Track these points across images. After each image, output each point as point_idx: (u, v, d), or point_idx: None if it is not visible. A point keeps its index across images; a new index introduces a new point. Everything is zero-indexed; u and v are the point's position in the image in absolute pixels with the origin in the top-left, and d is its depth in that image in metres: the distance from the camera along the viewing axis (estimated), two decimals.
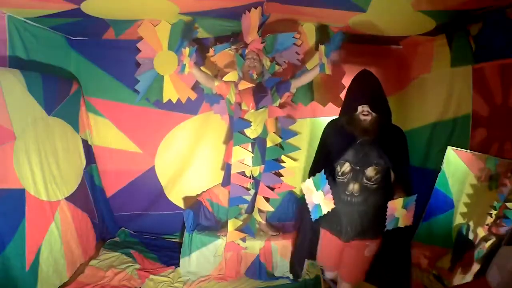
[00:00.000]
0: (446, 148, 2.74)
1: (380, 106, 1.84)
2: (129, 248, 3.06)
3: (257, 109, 2.59)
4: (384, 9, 2.34)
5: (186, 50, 2.44)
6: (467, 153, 2.63)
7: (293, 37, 2.70)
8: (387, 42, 3.24)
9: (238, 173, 2.62)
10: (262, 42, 2.62)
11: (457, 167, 2.66)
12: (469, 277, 2.36)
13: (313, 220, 1.88)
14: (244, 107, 2.59)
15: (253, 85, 2.60)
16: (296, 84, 2.65)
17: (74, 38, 3.13)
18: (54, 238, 2.48)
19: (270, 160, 2.59)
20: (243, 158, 2.60)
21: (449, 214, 2.68)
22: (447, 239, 2.67)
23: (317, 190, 1.77)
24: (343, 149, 1.89)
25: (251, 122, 2.58)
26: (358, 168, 1.88)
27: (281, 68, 2.90)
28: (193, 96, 3.00)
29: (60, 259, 2.51)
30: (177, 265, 2.81)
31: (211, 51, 2.94)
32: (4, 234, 2.08)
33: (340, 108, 2.57)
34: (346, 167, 1.90)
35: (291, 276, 2.71)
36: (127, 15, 2.64)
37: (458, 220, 2.63)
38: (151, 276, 2.69)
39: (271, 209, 2.70)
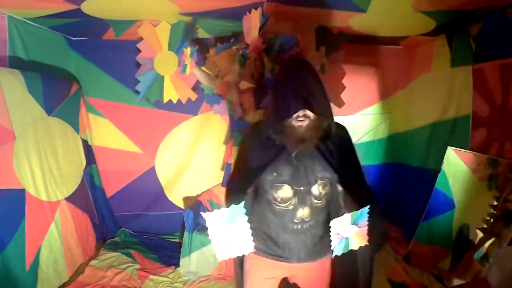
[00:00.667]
0: (446, 148, 2.74)
1: (320, 104, 1.35)
2: (129, 248, 3.06)
3: (257, 109, 2.59)
4: (384, 9, 2.34)
5: (188, 50, 2.45)
6: (467, 153, 2.63)
7: (294, 38, 2.69)
8: (387, 42, 3.24)
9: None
10: (263, 43, 2.62)
11: (457, 167, 2.66)
12: (469, 277, 2.37)
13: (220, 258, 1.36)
14: (244, 107, 2.60)
15: (254, 85, 2.61)
16: None
17: (74, 38, 3.13)
18: (54, 238, 2.48)
19: None
20: None
21: (449, 214, 2.68)
22: (447, 239, 2.67)
23: (227, 224, 1.27)
24: (274, 168, 1.44)
25: (251, 122, 2.58)
26: (302, 189, 1.44)
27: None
28: (194, 96, 3.00)
29: (60, 259, 2.51)
30: (177, 265, 2.80)
31: (212, 51, 2.94)
32: (4, 234, 2.08)
33: (340, 108, 2.53)
34: (286, 191, 1.45)
35: None
36: (127, 15, 2.64)
37: (458, 220, 2.63)
38: (151, 276, 2.69)
39: None
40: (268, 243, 1.54)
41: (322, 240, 1.51)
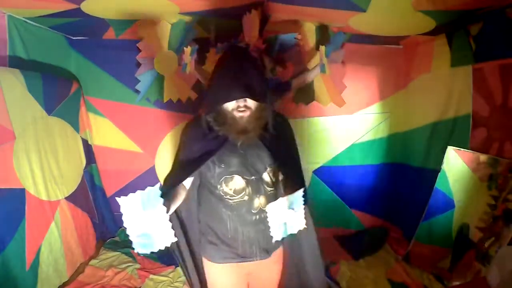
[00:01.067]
0: (446, 148, 2.74)
1: (261, 92, 1.32)
2: (129, 248, 3.06)
3: None
4: (384, 9, 2.33)
5: (188, 49, 2.45)
6: (467, 153, 2.63)
7: (295, 38, 2.70)
8: (387, 42, 3.24)
9: None
10: (263, 43, 2.62)
11: (457, 167, 2.66)
12: (469, 277, 2.37)
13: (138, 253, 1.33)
14: None
15: None
16: (297, 84, 2.67)
17: (74, 38, 3.13)
18: (54, 238, 2.48)
19: None
20: None
21: (449, 214, 2.69)
22: (447, 239, 2.67)
23: (143, 209, 1.16)
24: (221, 159, 1.40)
25: None
26: (253, 178, 1.42)
27: (281, 68, 2.90)
28: (194, 95, 3.00)
29: (60, 258, 2.51)
30: (177, 265, 2.80)
31: (212, 51, 2.94)
32: (4, 234, 2.08)
33: (340, 108, 2.51)
34: (238, 182, 1.41)
35: None
36: (127, 15, 2.64)
37: (458, 220, 2.64)
38: (151, 276, 2.69)
39: None
40: (224, 247, 1.49)
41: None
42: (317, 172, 3.43)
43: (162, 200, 1.17)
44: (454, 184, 2.68)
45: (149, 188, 1.14)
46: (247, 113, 1.32)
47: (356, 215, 3.54)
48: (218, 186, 1.43)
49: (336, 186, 3.47)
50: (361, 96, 3.36)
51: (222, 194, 1.43)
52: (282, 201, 1.29)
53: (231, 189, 1.42)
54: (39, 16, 2.47)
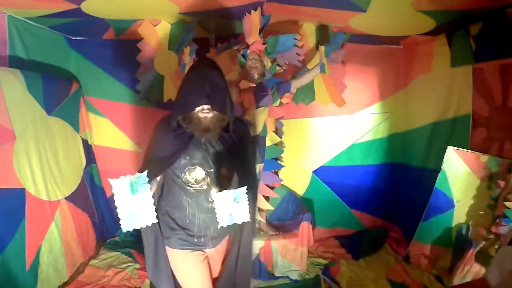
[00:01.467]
0: (446, 148, 2.74)
1: (221, 102, 1.55)
2: (129, 248, 3.07)
3: (257, 108, 2.60)
4: (384, 9, 2.33)
5: (187, 50, 2.46)
6: (467, 153, 2.63)
7: (294, 38, 2.70)
8: (387, 42, 3.24)
9: None
10: (263, 43, 2.63)
11: (457, 167, 2.66)
12: (469, 277, 2.37)
13: (123, 230, 1.54)
14: (245, 106, 2.61)
15: (254, 85, 2.62)
16: (297, 84, 2.68)
17: (74, 38, 3.13)
18: (54, 237, 2.48)
19: (270, 159, 2.61)
20: None
21: (449, 214, 2.69)
22: (447, 239, 2.68)
23: (132, 194, 1.34)
24: (187, 153, 1.62)
25: (251, 122, 2.59)
26: (212, 170, 1.64)
27: (281, 69, 2.91)
28: None
29: (60, 258, 2.51)
30: None
31: (212, 51, 2.94)
32: (4, 234, 2.08)
33: (340, 108, 2.55)
34: (199, 172, 1.63)
35: (291, 276, 2.71)
36: (127, 15, 2.64)
37: (458, 220, 2.64)
38: None
39: (271, 207, 2.72)
40: (182, 233, 1.68)
41: None
42: (317, 172, 3.43)
43: (148, 185, 1.35)
44: (454, 184, 2.68)
45: (137, 173, 1.34)
46: (210, 115, 1.54)
47: (356, 215, 3.54)
48: (182, 175, 1.64)
49: (336, 186, 3.47)
50: (361, 96, 3.36)
51: (185, 182, 1.65)
52: (227, 193, 1.46)
53: (193, 178, 1.65)
54: (39, 16, 2.47)
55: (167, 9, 2.47)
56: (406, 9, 2.27)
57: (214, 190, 1.62)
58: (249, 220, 1.54)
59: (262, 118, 2.62)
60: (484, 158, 2.51)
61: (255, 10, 2.42)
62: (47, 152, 2.51)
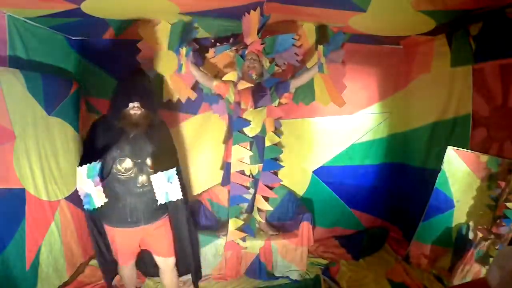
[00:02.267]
0: (446, 148, 2.74)
1: (149, 102, 2.00)
2: None
3: (255, 108, 2.59)
4: (384, 9, 2.33)
5: (183, 50, 2.47)
6: (467, 153, 2.63)
7: (293, 38, 2.70)
8: (387, 42, 3.24)
9: (238, 172, 2.63)
10: (262, 44, 2.63)
11: (457, 167, 2.67)
12: (469, 277, 2.37)
13: (86, 210, 1.90)
14: (243, 106, 2.60)
15: (252, 85, 2.61)
16: (295, 84, 2.67)
17: (74, 38, 3.13)
18: (54, 237, 2.48)
19: (269, 160, 2.61)
20: (243, 156, 2.61)
21: (449, 214, 2.69)
22: (447, 239, 2.68)
23: (88, 178, 1.77)
24: (118, 146, 1.98)
25: (250, 121, 2.58)
26: (139, 161, 2.00)
27: (280, 69, 2.91)
28: (193, 96, 3.00)
29: (60, 258, 2.51)
30: None
31: (211, 52, 2.94)
32: (4, 234, 2.08)
33: (340, 108, 2.57)
34: (128, 162, 1.99)
35: (291, 276, 2.71)
36: (127, 15, 2.64)
37: (458, 220, 2.64)
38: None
39: (270, 208, 2.72)
40: (117, 214, 2.04)
41: (157, 205, 2.05)
42: (317, 172, 3.43)
43: (98, 171, 1.81)
44: (454, 184, 2.68)
45: (93, 163, 1.79)
46: (138, 112, 1.95)
47: (356, 215, 3.54)
48: (114, 166, 1.99)
49: (336, 186, 3.47)
50: (361, 96, 3.36)
51: (116, 171, 2.00)
52: (161, 174, 1.89)
53: (123, 168, 1.99)
54: (39, 16, 2.47)
55: (167, 9, 2.47)
56: (406, 9, 2.27)
57: (141, 178, 2.01)
58: (182, 198, 1.97)
59: (261, 118, 2.62)
60: (484, 158, 2.51)
61: (255, 10, 2.42)
62: (47, 152, 2.51)
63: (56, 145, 2.64)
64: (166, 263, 2.25)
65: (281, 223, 3.11)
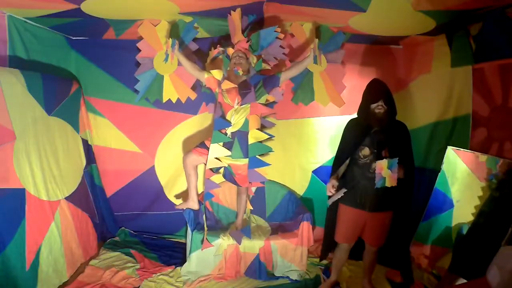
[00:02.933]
0: (446, 148, 2.74)
1: (391, 103, 2.25)
2: (129, 248, 3.07)
3: (241, 105, 2.56)
4: (384, 9, 2.34)
5: (169, 41, 2.48)
6: (467, 153, 2.63)
7: (275, 31, 2.66)
8: (387, 42, 3.24)
9: (211, 169, 2.62)
10: (247, 41, 2.61)
11: (457, 167, 2.67)
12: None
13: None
14: (230, 103, 2.56)
15: (236, 85, 2.57)
16: (286, 75, 2.57)
17: (74, 38, 3.13)
18: (54, 237, 2.48)
19: (254, 157, 2.57)
20: (220, 155, 2.58)
21: (449, 214, 2.69)
22: (447, 239, 2.67)
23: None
24: (362, 138, 2.28)
25: (230, 122, 2.56)
26: (376, 150, 2.23)
27: (269, 65, 2.87)
28: (193, 96, 3.00)
29: (60, 258, 2.51)
30: (177, 264, 2.81)
31: (209, 59, 2.95)
32: (4, 234, 2.08)
33: (339, 108, 2.63)
34: (366, 150, 2.26)
35: (291, 276, 2.71)
36: (127, 15, 2.64)
37: (458, 220, 2.64)
38: (151, 276, 2.69)
39: (251, 193, 2.84)
40: (352, 196, 2.30)
41: (386, 195, 2.25)
42: (317, 172, 3.43)
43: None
44: (454, 184, 2.68)
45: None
46: (382, 110, 2.23)
47: None
48: (357, 152, 2.29)
49: None
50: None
51: (357, 157, 2.30)
52: (385, 160, 2.15)
53: (361, 155, 2.28)
54: (39, 16, 2.47)
55: (167, 9, 2.47)
56: (406, 9, 2.27)
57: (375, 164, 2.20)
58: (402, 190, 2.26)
59: (244, 115, 2.58)
60: (484, 158, 2.51)
61: (255, 10, 2.42)
62: (47, 152, 2.51)
63: (56, 145, 2.64)
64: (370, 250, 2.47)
65: (281, 223, 3.11)
